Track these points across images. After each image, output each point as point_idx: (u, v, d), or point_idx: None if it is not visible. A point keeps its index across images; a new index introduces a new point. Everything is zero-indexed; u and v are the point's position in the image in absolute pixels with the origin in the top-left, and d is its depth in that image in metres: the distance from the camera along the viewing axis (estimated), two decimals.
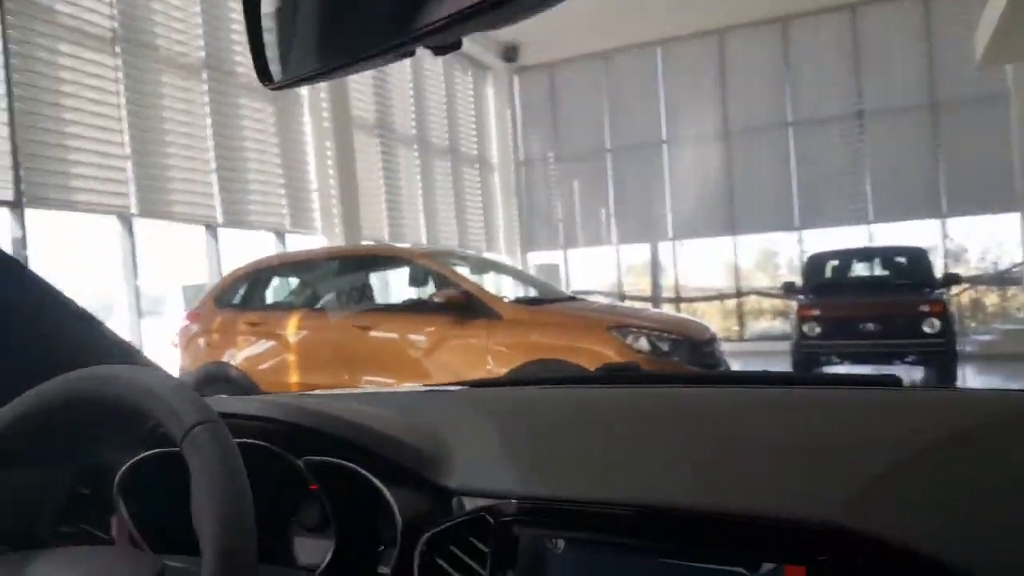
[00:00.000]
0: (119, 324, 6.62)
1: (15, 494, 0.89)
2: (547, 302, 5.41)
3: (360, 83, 9.79)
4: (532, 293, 6.06)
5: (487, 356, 4.77)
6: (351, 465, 0.75)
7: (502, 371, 4.61)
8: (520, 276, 7.32)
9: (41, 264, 6.03)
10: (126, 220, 6.67)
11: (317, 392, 1.27)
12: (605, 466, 0.76)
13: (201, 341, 5.56)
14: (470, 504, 0.75)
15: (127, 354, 1.03)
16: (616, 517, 0.68)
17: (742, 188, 11.80)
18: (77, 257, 7.16)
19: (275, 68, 0.62)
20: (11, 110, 5.76)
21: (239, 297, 5.67)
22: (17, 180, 5.76)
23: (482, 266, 6.80)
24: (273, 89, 0.63)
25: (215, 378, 5.36)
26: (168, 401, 0.57)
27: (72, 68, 6.32)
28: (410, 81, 10.99)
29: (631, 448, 0.78)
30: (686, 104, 12.14)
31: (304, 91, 8.81)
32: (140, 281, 6.77)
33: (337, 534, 0.76)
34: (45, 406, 0.62)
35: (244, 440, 0.75)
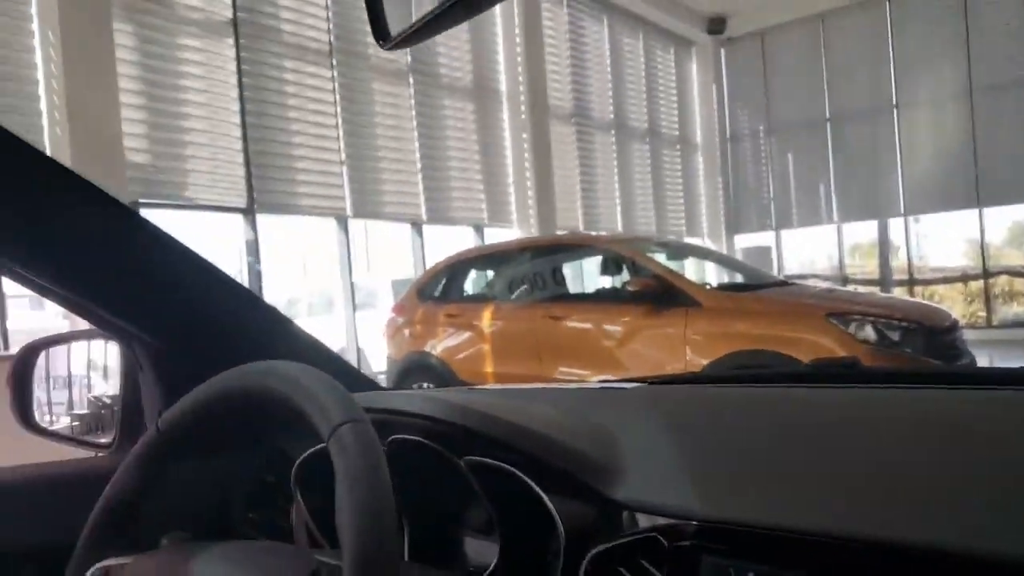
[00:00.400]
0: (337, 317, 7.22)
1: (206, 482, 0.93)
2: (754, 288, 5.13)
3: (558, 71, 9.82)
4: (738, 279, 5.76)
5: (685, 347, 4.62)
6: (510, 468, 0.70)
7: (702, 362, 4.47)
8: (724, 261, 7.00)
9: (272, 264, 6.66)
10: (342, 221, 7.20)
11: (485, 387, 1.24)
12: (814, 485, 0.63)
13: (406, 332, 5.88)
14: (642, 520, 0.67)
15: (315, 351, 1.04)
16: (827, 551, 0.56)
17: (989, 153, 10.31)
18: (303, 256, 7.87)
19: (392, 26, 0.63)
20: (244, 125, 6.43)
21: (439, 290, 5.92)
22: (249, 189, 6.42)
23: (681, 252, 6.58)
24: (389, 48, 0.64)
25: (418, 367, 5.65)
26: (318, 397, 0.57)
27: (294, 82, 6.92)
28: (608, 65, 10.86)
29: (850, 464, 0.65)
30: (921, 62, 10.85)
31: (503, 86, 9.02)
32: (356, 277, 7.29)
33: (501, 538, 0.71)
34: (213, 398, 0.65)
35: (405, 436, 0.74)
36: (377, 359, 6.72)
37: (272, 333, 1.01)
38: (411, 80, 7.96)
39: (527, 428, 0.74)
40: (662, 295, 4.69)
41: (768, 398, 0.88)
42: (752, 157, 12.65)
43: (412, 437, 0.75)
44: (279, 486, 0.91)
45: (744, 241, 12.58)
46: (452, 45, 8.40)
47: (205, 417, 0.66)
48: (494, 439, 0.73)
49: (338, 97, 7.22)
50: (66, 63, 5.29)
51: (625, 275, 5.17)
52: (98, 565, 0.66)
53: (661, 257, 5.44)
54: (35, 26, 5.32)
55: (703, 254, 7.31)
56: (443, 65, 8.31)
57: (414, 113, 7.96)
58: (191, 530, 0.70)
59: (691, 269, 6.59)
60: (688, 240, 11.19)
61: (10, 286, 5.84)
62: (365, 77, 7.53)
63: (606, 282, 5.54)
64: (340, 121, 7.22)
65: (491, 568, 0.71)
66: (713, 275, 6.89)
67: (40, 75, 5.31)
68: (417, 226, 7.98)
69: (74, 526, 0.69)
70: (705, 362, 4.43)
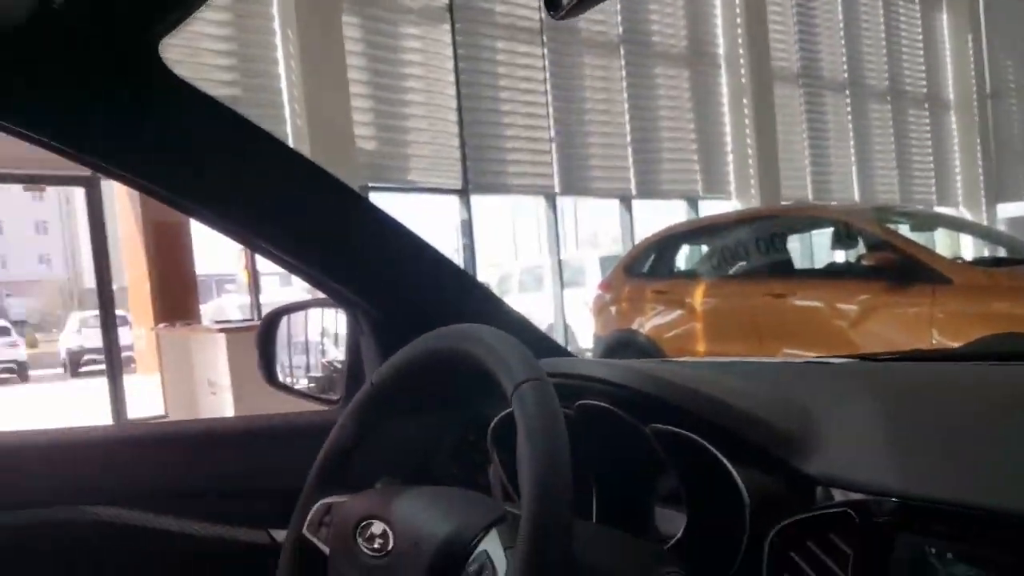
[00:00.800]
0: (546, 294, 7.28)
1: (416, 438, 1.03)
2: (1018, 263, 4.43)
3: (783, 30, 9.15)
4: (1000, 252, 5.09)
5: (930, 328, 4.13)
6: (696, 437, 0.70)
7: (951, 345, 3.95)
8: (981, 232, 6.13)
9: (486, 243, 6.87)
10: (551, 199, 7.22)
11: (678, 359, 1.22)
12: None
13: (612, 309, 5.75)
14: (835, 495, 0.65)
15: (516, 323, 1.11)
16: None
17: None
18: (514, 234, 8.04)
19: None
20: (459, 109, 6.63)
21: (647, 266, 5.73)
22: (464, 170, 6.63)
23: (928, 222, 5.85)
24: (559, 18, 0.65)
25: (624, 344, 5.50)
26: (503, 357, 0.62)
27: (506, 62, 7.01)
28: (841, 19, 9.95)
29: None
30: None
31: (721, 49, 8.55)
32: (564, 254, 7.31)
33: (688, 507, 0.72)
34: (417, 356, 0.73)
35: (592, 401, 0.78)
36: (584, 336, 6.67)
37: (478, 305, 1.09)
38: (622, 51, 7.76)
39: (713, 397, 0.75)
40: (904, 270, 4.19)
41: (994, 376, 0.82)
42: (1020, 115, 11.12)
43: (599, 403, 0.77)
44: (479, 445, 0.98)
45: (1009, 210, 11.18)
46: (667, 12, 8.09)
47: (410, 374, 0.74)
48: (680, 407, 0.74)
49: (548, 74, 7.22)
50: (303, 59, 5.76)
51: (861, 248, 4.69)
52: (322, 501, 0.76)
53: (904, 228, 4.91)
54: (276, 25, 5.83)
55: (956, 225, 6.51)
56: (656, 33, 8.02)
57: (624, 84, 7.77)
58: (402, 479, 0.77)
59: (941, 242, 5.83)
60: (938, 210, 9.96)
61: (263, 265, 6.57)
62: (575, 51, 7.47)
63: (838, 257, 5.04)
64: (550, 98, 7.22)
65: (678, 536, 0.72)
66: (969, 249, 6.09)
67: (281, 70, 5.83)
68: (626, 201, 7.81)
69: (305, 469, 0.80)
70: (954, 345, 3.91)
